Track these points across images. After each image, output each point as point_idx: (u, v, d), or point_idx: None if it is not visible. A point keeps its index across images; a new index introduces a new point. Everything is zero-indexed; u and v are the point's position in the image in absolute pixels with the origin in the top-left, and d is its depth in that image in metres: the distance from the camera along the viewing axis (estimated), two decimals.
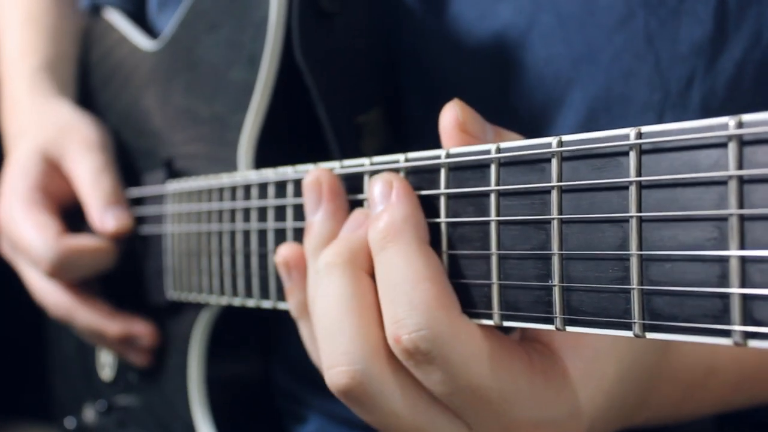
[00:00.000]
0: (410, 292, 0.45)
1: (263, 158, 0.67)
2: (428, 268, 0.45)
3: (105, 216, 0.79)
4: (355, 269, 0.48)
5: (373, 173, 0.51)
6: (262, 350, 0.80)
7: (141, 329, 0.81)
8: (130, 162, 0.85)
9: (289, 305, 0.56)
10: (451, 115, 0.49)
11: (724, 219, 0.34)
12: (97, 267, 0.81)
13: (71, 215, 0.83)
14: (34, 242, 0.79)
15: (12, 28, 0.95)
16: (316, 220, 0.53)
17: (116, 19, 0.90)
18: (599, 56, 0.60)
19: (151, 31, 0.87)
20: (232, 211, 0.65)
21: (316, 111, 0.63)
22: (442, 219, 0.47)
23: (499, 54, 0.63)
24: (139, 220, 0.82)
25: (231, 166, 0.69)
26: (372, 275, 0.48)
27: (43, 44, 0.92)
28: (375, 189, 0.48)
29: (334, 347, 0.48)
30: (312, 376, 0.60)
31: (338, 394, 0.48)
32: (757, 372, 0.59)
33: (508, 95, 0.63)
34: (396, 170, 0.50)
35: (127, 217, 0.80)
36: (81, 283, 0.84)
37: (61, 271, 0.79)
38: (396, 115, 0.67)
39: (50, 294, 0.84)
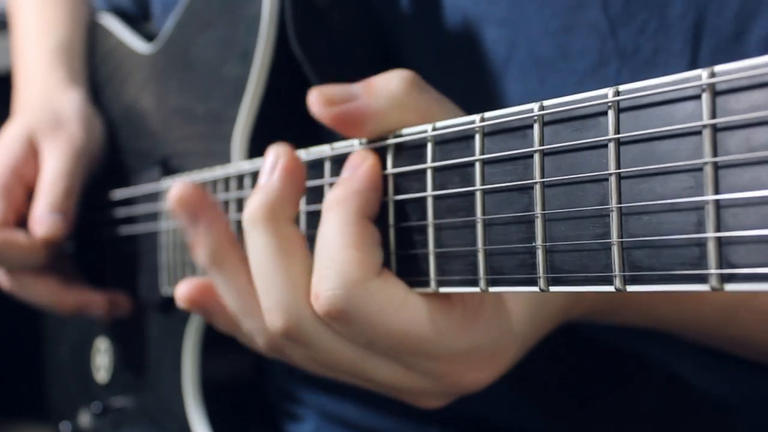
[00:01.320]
0: (337, 254, 0.48)
1: (259, 150, 0.68)
2: (360, 238, 0.49)
3: (41, 220, 0.81)
4: (275, 222, 0.52)
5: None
6: None
7: (92, 299, 0.83)
8: (128, 163, 0.86)
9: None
10: (315, 99, 0.51)
11: (699, 169, 0.35)
12: (25, 263, 0.83)
13: None
14: None
15: (29, 9, 0.97)
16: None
17: (111, 24, 0.92)
18: None
19: (154, 33, 0.89)
20: (226, 203, 0.66)
21: None
22: (429, 192, 0.48)
23: (479, 79, 0.65)
24: (135, 219, 0.83)
25: (225, 159, 0.70)
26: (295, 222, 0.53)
27: (59, 26, 0.94)
28: (351, 158, 0.52)
29: (268, 295, 0.52)
30: (309, 374, 0.61)
31: (277, 335, 0.53)
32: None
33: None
34: (385, 147, 0.51)
35: (61, 227, 0.82)
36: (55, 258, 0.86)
37: None
38: None
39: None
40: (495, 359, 0.51)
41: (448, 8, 0.65)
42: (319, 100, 0.51)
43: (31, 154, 0.85)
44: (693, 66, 0.58)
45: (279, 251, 0.51)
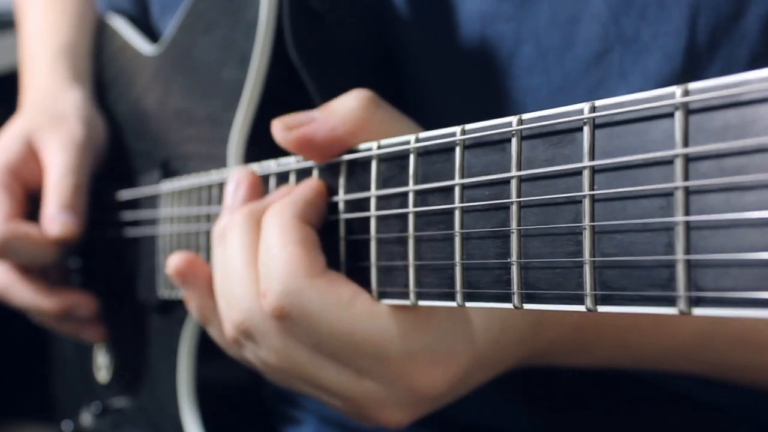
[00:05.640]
0: (278, 252, 0.50)
1: (254, 154, 0.68)
2: (299, 237, 0.50)
3: (54, 219, 0.80)
4: (252, 222, 0.53)
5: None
6: None
7: (79, 299, 0.83)
8: (130, 164, 0.87)
9: (192, 312, 0.61)
10: (276, 127, 0.54)
11: (671, 192, 0.34)
12: (37, 258, 0.83)
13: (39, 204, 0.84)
14: None
15: (35, 9, 0.98)
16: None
17: (119, 25, 0.92)
18: (576, 89, 0.61)
19: (153, 34, 0.89)
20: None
21: (315, 107, 0.64)
22: (410, 209, 0.47)
23: (484, 77, 0.64)
24: (133, 222, 0.83)
25: (223, 163, 0.69)
26: None
27: (65, 26, 0.94)
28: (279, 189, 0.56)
29: (227, 296, 0.53)
30: None
31: (233, 333, 0.54)
32: (642, 335, 0.61)
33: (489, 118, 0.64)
34: (369, 158, 0.50)
35: (74, 226, 0.81)
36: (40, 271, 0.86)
37: (2, 252, 0.81)
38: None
39: None
40: (449, 362, 0.50)
41: (454, 7, 0.65)
42: (280, 127, 0.53)
43: (29, 154, 0.85)
44: (691, 47, 0.58)
45: (246, 248, 0.53)
